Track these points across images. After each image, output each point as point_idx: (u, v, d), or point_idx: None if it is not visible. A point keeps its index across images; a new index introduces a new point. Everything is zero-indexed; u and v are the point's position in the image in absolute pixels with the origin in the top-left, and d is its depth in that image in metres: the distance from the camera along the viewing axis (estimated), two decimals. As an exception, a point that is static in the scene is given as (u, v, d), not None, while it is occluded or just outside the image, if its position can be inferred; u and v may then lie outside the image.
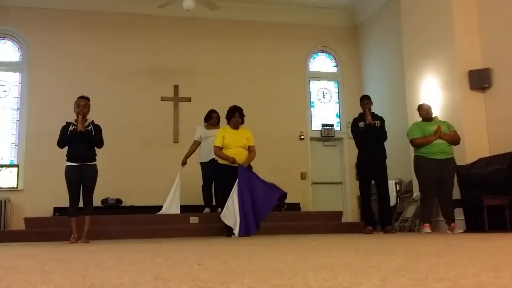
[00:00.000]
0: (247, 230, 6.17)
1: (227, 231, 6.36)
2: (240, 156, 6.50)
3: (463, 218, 6.76)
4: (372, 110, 7.09)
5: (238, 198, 6.21)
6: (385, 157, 6.94)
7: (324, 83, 11.20)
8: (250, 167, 6.54)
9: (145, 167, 9.58)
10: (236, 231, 6.15)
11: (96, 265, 2.19)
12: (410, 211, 8.29)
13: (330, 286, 1.28)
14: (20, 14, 9.75)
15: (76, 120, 5.79)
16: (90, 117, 5.92)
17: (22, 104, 9.66)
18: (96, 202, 6.88)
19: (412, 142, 6.69)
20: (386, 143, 7.01)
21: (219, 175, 6.66)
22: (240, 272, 1.71)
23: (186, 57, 10.26)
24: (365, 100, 7.11)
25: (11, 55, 9.91)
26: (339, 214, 8.50)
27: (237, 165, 6.29)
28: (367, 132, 6.89)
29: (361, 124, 6.97)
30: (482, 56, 7.31)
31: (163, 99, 10.03)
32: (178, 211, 7.64)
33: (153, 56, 10.15)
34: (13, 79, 9.85)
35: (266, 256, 2.63)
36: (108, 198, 8.88)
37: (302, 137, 10.55)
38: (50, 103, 9.40)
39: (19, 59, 9.91)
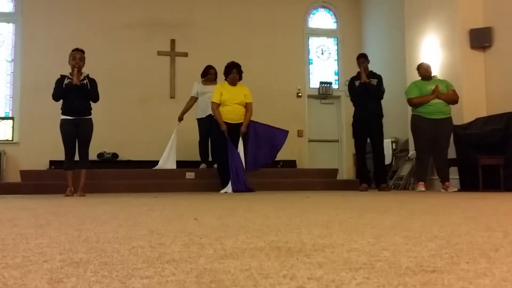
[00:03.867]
0: (238, 185, 6.24)
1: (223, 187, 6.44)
2: (237, 113, 6.51)
3: (457, 177, 6.82)
4: (371, 68, 7.06)
5: (230, 157, 6.28)
6: (381, 115, 6.94)
7: (323, 40, 11.05)
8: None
9: (141, 122, 9.55)
10: (226, 189, 6.28)
11: (92, 219, 2.20)
12: (405, 170, 8.36)
13: (324, 243, 1.29)
14: (12, -37, 9.49)
15: (71, 73, 5.71)
16: (85, 70, 5.84)
17: (17, 55, 9.52)
18: (92, 156, 6.90)
19: (410, 101, 6.67)
20: (383, 102, 6.99)
21: (215, 131, 6.65)
22: (235, 228, 1.72)
23: (183, 11, 10.06)
24: (361, 58, 7.07)
25: (4, 5, 9.69)
26: (334, 171, 8.57)
27: (226, 134, 6.38)
28: (363, 90, 6.86)
29: (357, 82, 6.94)
30: (483, 15, 7.20)
31: (160, 53, 9.90)
32: (174, 166, 7.68)
33: (150, 9, 9.95)
34: (7, 30, 9.67)
35: (261, 212, 2.64)
36: (104, 152, 8.89)
37: (300, 94, 10.48)
38: (45, 55, 9.26)
39: (12, 9, 9.69)
